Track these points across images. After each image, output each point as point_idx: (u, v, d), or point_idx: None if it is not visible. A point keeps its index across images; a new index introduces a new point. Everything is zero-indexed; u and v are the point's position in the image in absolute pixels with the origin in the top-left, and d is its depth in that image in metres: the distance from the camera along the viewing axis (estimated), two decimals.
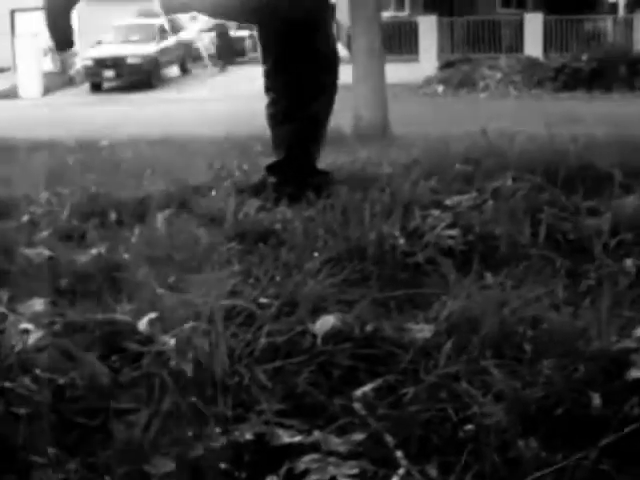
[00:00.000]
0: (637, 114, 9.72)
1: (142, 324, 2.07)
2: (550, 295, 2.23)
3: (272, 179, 3.69)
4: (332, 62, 3.86)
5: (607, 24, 24.56)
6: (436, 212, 2.94)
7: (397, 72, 19.63)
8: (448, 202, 3.13)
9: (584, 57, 19.22)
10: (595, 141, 4.95)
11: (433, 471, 1.52)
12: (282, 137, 3.80)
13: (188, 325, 1.98)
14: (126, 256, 2.68)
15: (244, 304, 2.14)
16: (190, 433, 1.66)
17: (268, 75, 3.86)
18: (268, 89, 3.87)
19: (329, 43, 3.88)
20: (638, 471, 1.44)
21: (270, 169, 3.78)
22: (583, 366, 1.78)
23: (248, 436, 1.64)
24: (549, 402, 1.67)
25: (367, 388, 1.81)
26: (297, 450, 1.60)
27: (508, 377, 1.76)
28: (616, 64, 19.00)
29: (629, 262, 2.47)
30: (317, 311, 2.12)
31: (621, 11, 25.68)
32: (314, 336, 1.99)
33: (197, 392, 1.77)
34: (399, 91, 17.48)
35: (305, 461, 1.54)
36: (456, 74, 19.28)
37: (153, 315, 2.09)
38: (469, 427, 1.60)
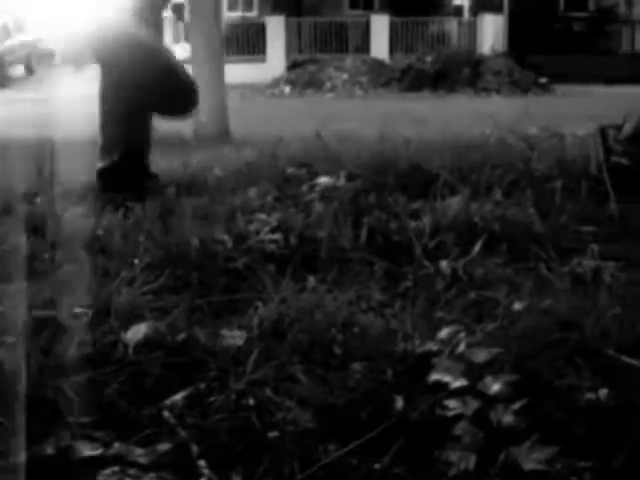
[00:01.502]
0: (477, 115, 9.94)
1: None
2: (366, 298, 2.26)
3: (100, 183, 3.64)
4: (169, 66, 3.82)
5: (452, 26, 25.14)
6: (262, 216, 2.95)
7: (245, 73, 19.66)
8: (274, 206, 3.14)
9: (429, 58, 19.64)
10: (430, 142, 5.05)
11: (237, 479, 1.52)
12: (116, 139, 3.74)
13: None
14: None
15: (56, 315, 2.10)
16: None
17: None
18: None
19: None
20: (431, 474, 1.47)
21: (103, 173, 3.72)
22: (390, 369, 1.81)
23: (50, 450, 1.62)
24: (355, 406, 1.69)
25: (177, 397, 1.80)
26: (101, 463, 1.58)
27: (316, 382, 1.77)
28: (460, 66, 19.48)
29: (444, 264, 2.52)
30: (132, 320, 2.10)
31: (466, 14, 26.33)
32: (126, 346, 1.97)
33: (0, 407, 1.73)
34: (247, 92, 17.52)
35: (104, 474, 1.52)
36: (303, 75, 19.46)
37: None
38: (273, 434, 1.60)
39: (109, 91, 3.74)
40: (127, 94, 3.65)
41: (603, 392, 1.73)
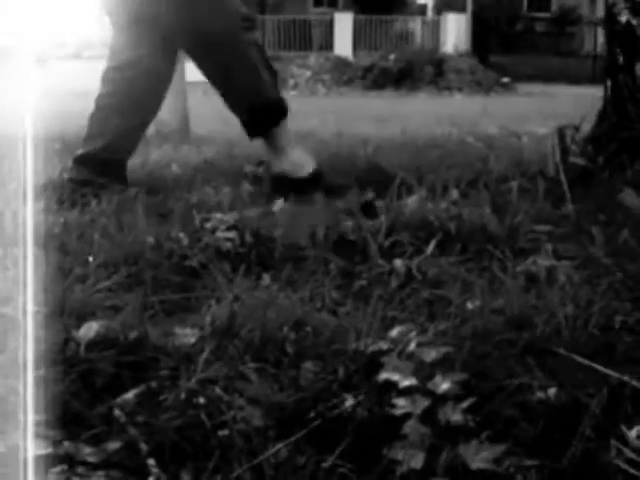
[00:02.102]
0: (438, 113, 9.98)
1: None
2: (320, 296, 2.27)
3: (72, 174, 3.61)
4: None
5: (416, 25, 25.16)
6: (218, 215, 2.94)
7: None
8: (231, 203, 3.14)
9: (392, 57, 19.67)
10: (389, 140, 5.06)
11: (186, 477, 1.52)
12: (110, 127, 3.71)
13: None
14: None
15: (10, 312, 2.09)
16: None
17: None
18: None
19: None
20: (378, 472, 1.48)
21: (79, 158, 3.69)
22: (342, 368, 1.82)
23: (1, 449, 1.61)
24: (305, 405, 1.69)
25: (128, 395, 1.79)
26: (51, 461, 1.57)
27: (267, 381, 1.77)
28: (423, 64, 19.53)
29: (399, 262, 2.53)
30: (84, 317, 2.09)
31: (430, 13, 26.37)
32: (78, 344, 1.96)
33: None
34: (211, 90, 17.45)
35: (53, 472, 1.51)
36: None
37: None
38: (223, 433, 1.60)
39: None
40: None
41: (552, 391, 1.74)
